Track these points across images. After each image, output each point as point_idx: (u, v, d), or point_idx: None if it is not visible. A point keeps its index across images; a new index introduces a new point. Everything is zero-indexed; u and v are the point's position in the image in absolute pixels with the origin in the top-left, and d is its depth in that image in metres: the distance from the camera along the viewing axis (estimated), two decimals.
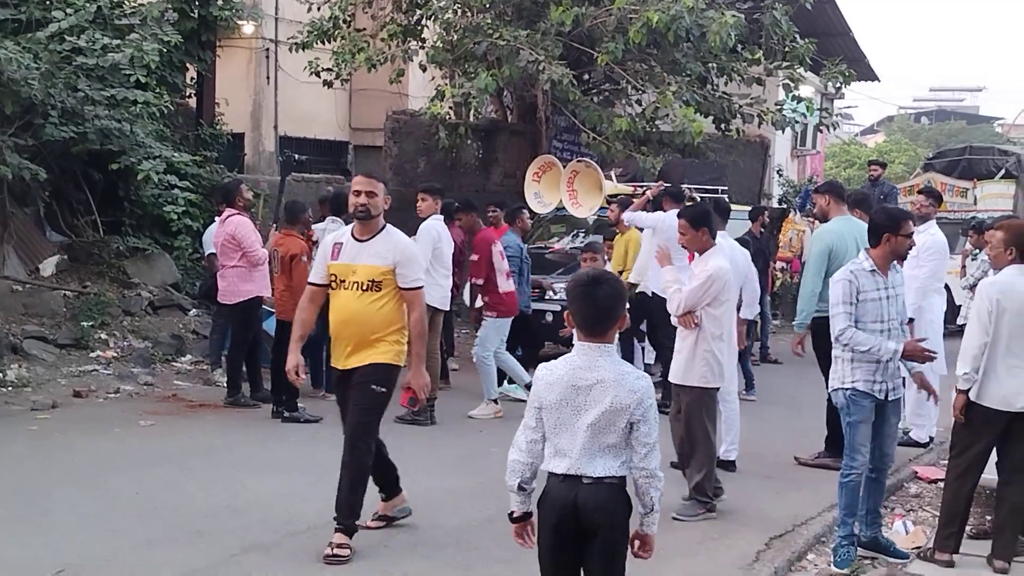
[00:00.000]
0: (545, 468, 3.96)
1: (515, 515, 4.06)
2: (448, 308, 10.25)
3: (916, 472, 8.65)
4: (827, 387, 8.69)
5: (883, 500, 6.94)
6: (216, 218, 11.77)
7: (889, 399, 6.38)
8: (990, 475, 6.88)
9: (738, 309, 8.76)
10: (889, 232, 6.32)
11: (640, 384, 3.87)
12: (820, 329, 8.49)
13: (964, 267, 13.04)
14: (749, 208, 15.01)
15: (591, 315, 3.90)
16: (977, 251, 12.17)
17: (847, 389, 6.33)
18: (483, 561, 6.02)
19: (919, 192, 11.06)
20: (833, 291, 6.35)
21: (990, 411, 6.14)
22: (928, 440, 9.46)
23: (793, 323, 8.83)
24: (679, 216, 7.46)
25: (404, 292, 6.15)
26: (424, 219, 9.89)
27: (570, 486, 3.87)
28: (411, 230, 10.06)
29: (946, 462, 7.98)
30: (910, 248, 6.55)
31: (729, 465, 8.41)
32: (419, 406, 9.61)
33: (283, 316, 9.76)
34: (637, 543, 4.06)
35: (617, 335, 4.07)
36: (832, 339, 6.42)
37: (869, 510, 6.56)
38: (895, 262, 6.45)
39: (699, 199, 13.53)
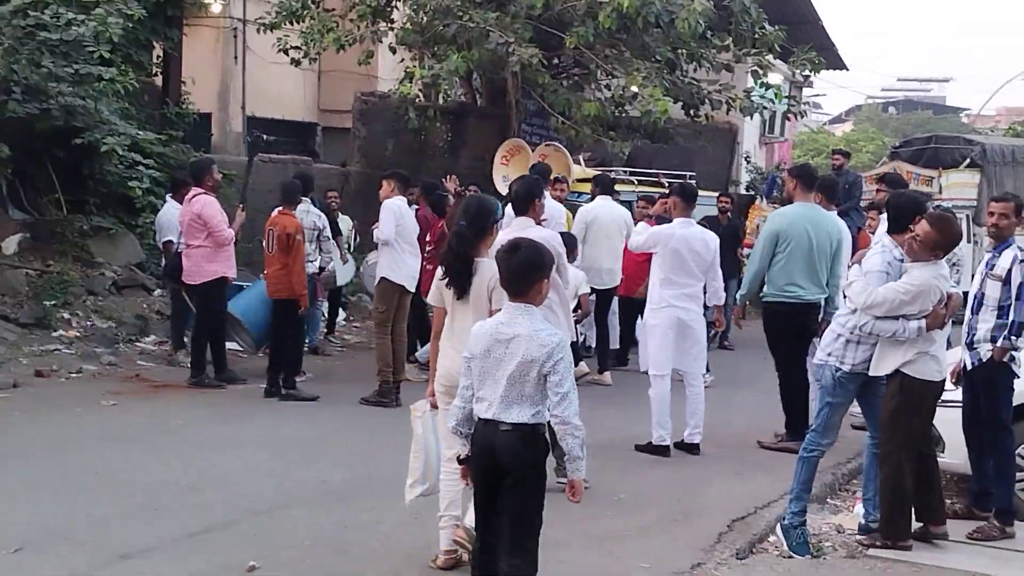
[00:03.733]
0: (475, 414, 4.48)
1: (460, 457, 4.62)
2: (414, 289, 9.99)
3: None
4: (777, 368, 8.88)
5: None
6: (168, 197, 11.67)
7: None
8: (953, 460, 6.98)
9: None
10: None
11: (551, 340, 4.33)
12: (771, 314, 8.65)
13: None
14: (717, 194, 15.07)
15: (509, 278, 4.47)
16: None
17: (838, 369, 6.24)
18: None
19: (876, 180, 11.13)
20: (873, 285, 6.10)
21: (932, 384, 6.19)
22: None
23: (737, 295, 9.11)
24: None
25: None
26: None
27: (490, 430, 4.39)
28: (376, 213, 10.08)
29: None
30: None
31: (692, 448, 8.44)
32: (383, 387, 9.65)
33: (279, 295, 9.87)
34: (568, 489, 4.45)
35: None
36: (836, 319, 6.42)
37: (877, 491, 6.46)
38: None
39: (666, 184, 13.60)
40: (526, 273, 4.43)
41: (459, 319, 5.44)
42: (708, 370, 11.61)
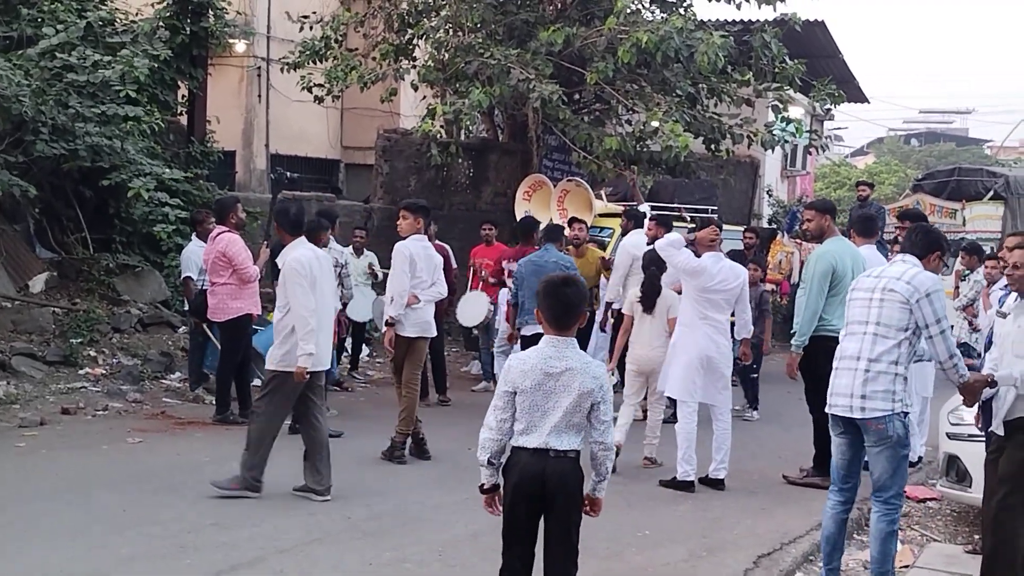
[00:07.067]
0: (514, 443, 4.53)
1: (485, 487, 4.66)
2: (431, 333, 9.24)
3: (905, 492, 8.61)
4: (810, 404, 8.70)
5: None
6: (193, 236, 11.73)
7: None
8: (980, 495, 6.88)
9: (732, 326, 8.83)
10: (941, 252, 6.06)
11: (600, 371, 4.54)
12: (815, 347, 8.35)
13: (957, 288, 13.00)
14: (742, 228, 15.06)
15: (560, 312, 4.52)
16: (968, 272, 12.14)
17: (906, 415, 5.78)
18: None
19: (896, 217, 11.03)
20: (939, 304, 5.73)
21: None
22: (917, 460, 9.45)
23: (792, 343, 8.45)
24: None
25: None
26: (404, 238, 8.97)
27: (539, 458, 4.47)
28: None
29: (936, 482, 8.03)
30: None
31: (718, 484, 8.40)
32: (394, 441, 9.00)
33: None
34: (589, 505, 4.64)
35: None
36: (907, 358, 5.84)
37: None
38: None
39: (689, 219, 13.63)
40: (578, 306, 4.55)
41: (640, 325, 8.89)
42: (756, 407, 11.66)
